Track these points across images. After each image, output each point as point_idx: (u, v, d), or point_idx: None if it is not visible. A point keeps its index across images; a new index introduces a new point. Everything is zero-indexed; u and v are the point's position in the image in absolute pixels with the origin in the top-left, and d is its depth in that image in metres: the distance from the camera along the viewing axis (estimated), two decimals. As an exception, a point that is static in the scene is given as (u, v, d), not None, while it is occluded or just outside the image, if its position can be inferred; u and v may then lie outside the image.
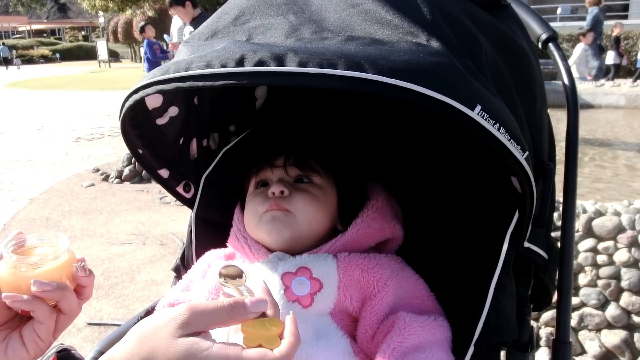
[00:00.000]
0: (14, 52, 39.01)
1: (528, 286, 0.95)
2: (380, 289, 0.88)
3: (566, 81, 1.06)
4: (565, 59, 1.11)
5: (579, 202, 2.42)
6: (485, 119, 0.64)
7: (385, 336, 0.84)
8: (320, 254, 0.92)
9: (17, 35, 63.05)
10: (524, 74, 0.88)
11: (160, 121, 0.98)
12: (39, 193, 5.41)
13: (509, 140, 0.67)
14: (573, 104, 1.03)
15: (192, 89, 0.69)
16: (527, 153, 0.70)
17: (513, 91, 0.81)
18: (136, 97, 0.78)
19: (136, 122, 0.93)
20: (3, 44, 39.22)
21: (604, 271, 2.38)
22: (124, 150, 6.26)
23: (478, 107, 0.63)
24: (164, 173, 1.08)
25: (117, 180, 5.66)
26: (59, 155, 7.28)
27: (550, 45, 1.11)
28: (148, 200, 5.01)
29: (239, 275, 0.72)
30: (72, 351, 0.81)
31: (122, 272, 3.48)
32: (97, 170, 6.07)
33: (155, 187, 5.34)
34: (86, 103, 12.73)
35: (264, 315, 0.65)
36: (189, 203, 1.16)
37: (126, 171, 5.67)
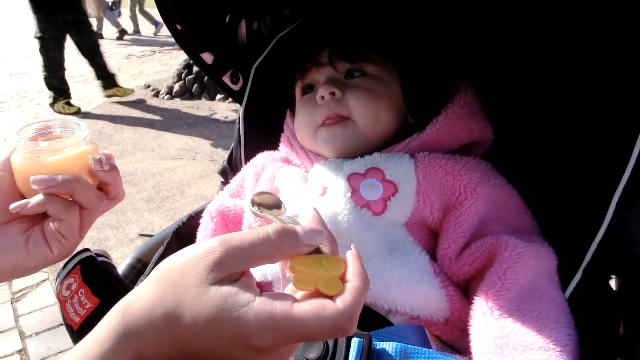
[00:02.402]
0: None
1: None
2: (468, 195, 0.72)
3: None
4: None
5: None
6: None
7: (486, 263, 0.68)
8: (394, 154, 0.76)
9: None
10: None
11: (202, -11, 0.81)
12: (92, 108, 5.45)
13: None
14: None
15: None
16: None
17: None
18: None
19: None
20: None
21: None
22: (174, 67, 6.16)
23: None
24: (208, 58, 0.91)
25: (167, 96, 5.61)
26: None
27: None
28: (198, 116, 4.95)
29: (276, 205, 0.54)
30: (100, 258, 0.70)
31: (173, 186, 3.47)
32: (148, 87, 6.03)
33: (205, 104, 5.27)
34: (138, 19, 12.63)
35: (318, 251, 0.46)
36: (237, 96, 1.00)
37: (176, 87, 5.60)
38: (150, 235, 2.86)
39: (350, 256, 0.45)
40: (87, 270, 0.67)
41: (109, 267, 0.71)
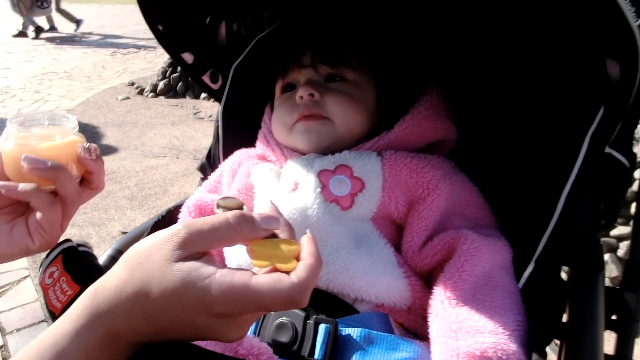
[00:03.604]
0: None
1: (602, 199, 0.81)
2: (431, 191, 0.76)
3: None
4: None
5: None
6: None
7: (446, 255, 0.73)
8: (362, 152, 0.80)
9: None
10: None
11: (183, -8, 0.85)
12: (75, 105, 5.42)
13: None
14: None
15: None
16: None
17: None
18: None
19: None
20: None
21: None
22: (159, 65, 6.15)
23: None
24: (188, 57, 0.95)
25: (152, 94, 5.61)
26: (95, 68, 7.24)
27: None
28: (182, 114, 4.96)
29: (238, 207, 0.59)
30: (82, 248, 0.73)
31: (156, 184, 3.48)
32: (133, 84, 6.02)
33: (189, 102, 5.27)
34: (122, 17, 12.53)
35: (275, 237, 0.52)
36: (216, 95, 1.04)
37: (161, 85, 5.60)
38: (133, 232, 2.88)
39: (306, 239, 0.51)
40: (68, 260, 0.71)
41: (89, 257, 0.74)
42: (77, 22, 9.84)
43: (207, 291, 0.42)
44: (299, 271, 0.46)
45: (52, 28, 10.10)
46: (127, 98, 5.58)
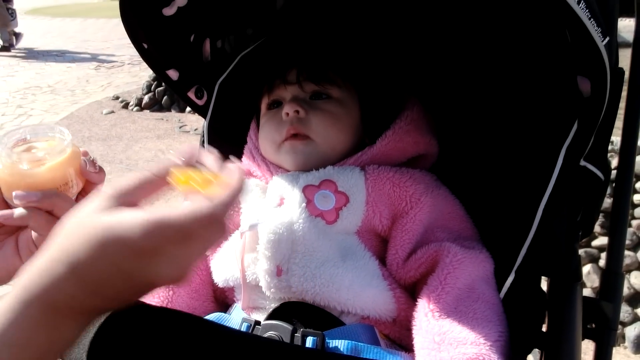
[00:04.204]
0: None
1: (579, 211, 0.84)
2: (414, 205, 0.78)
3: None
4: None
5: (615, 139, 2.26)
6: None
7: (430, 268, 0.74)
8: (346, 167, 0.82)
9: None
10: None
11: (168, 11, 0.86)
12: (59, 119, 5.38)
13: (590, 18, 0.53)
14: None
15: None
16: (607, 39, 0.57)
17: None
18: None
19: (139, 9, 0.81)
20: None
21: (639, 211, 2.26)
22: (143, 79, 6.14)
23: (556, -30, 0.50)
24: (173, 74, 0.96)
25: (136, 107, 5.58)
26: (79, 82, 7.20)
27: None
28: (167, 128, 4.95)
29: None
30: None
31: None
32: (117, 98, 5.99)
33: (174, 116, 5.26)
34: (106, 31, 12.50)
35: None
36: (201, 111, 1.05)
37: (146, 99, 5.58)
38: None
39: (231, 166, 0.51)
40: None
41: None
42: (17, 36, 9.73)
43: (125, 231, 0.42)
44: (218, 191, 0.46)
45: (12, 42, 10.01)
46: (112, 112, 5.56)
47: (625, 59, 0.88)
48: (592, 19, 0.54)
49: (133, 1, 0.79)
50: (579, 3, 0.52)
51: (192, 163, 0.50)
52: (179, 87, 1.00)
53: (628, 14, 0.94)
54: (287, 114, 0.84)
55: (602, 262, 2.26)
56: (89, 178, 0.65)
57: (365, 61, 0.95)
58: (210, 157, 0.52)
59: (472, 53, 0.90)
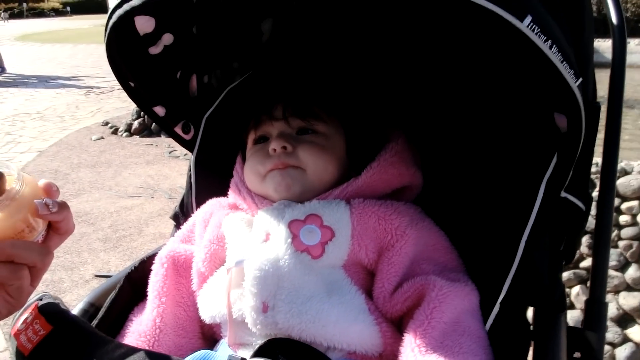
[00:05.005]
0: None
1: (561, 241, 0.85)
2: (399, 238, 0.79)
3: (614, 18, 0.92)
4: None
5: (597, 159, 2.30)
6: (537, 33, 0.53)
7: (416, 301, 0.75)
8: (331, 200, 0.83)
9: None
10: None
11: (154, 50, 0.87)
12: (48, 145, 5.37)
13: (562, 62, 0.55)
14: (620, 45, 0.90)
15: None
16: (580, 80, 0.59)
17: (561, 13, 0.68)
18: (120, 12, 0.68)
19: (125, 49, 0.82)
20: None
21: (627, 232, 2.28)
22: (133, 104, 6.13)
23: (528, 18, 0.52)
24: (160, 111, 0.97)
25: (126, 133, 5.59)
26: (68, 108, 7.21)
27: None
28: (157, 153, 4.95)
29: None
30: (56, 301, 0.73)
31: (130, 225, 3.44)
32: (107, 124, 6.00)
33: (164, 141, 5.27)
34: (96, 57, 12.56)
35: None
36: (188, 145, 1.06)
37: (135, 124, 5.59)
38: (107, 276, 2.83)
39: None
40: (44, 306, 0.71)
41: (62, 306, 0.74)
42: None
43: None
44: None
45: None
46: (101, 138, 5.56)
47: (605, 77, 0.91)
48: (564, 62, 0.56)
49: (119, 41, 0.80)
50: (551, 47, 0.54)
51: None
52: (165, 123, 1.01)
53: (605, 36, 0.97)
54: (275, 149, 0.85)
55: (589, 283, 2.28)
56: (49, 219, 0.61)
57: (350, 95, 0.97)
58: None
59: (454, 88, 0.92)
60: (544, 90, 0.62)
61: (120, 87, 0.92)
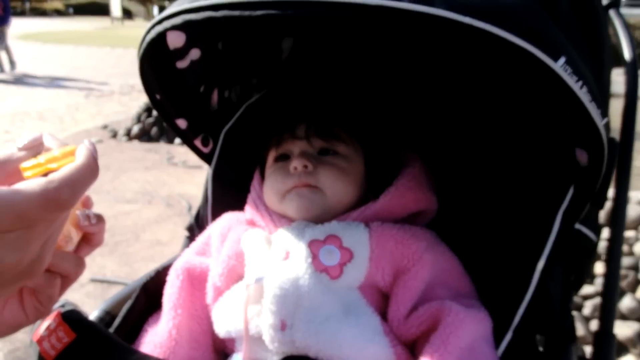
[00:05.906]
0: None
1: (572, 271, 0.87)
2: (416, 262, 0.80)
3: (627, 54, 0.95)
4: (627, 27, 1.01)
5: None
6: (569, 74, 0.54)
7: (431, 325, 0.76)
8: (350, 222, 0.84)
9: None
10: (595, 35, 0.78)
11: (181, 64, 0.89)
12: (46, 146, 5.35)
13: (591, 101, 0.57)
14: (633, 80, 0.93)
15: (226, 18, 0.59)
16: (606, 119, 0.61)
17: (586, 51, 0.71)
18: (159, 28, 0.69)
19: (156, 63, 0.84)
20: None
21: (623, 262, 2.28)
22: (133, 108, 6.16)
23: (562, 59, 0.54)
24: (182, 123, 0.99)
25: (125, 138, 5.59)
26: (68, 110, 7.20)
27: (611, 11, 1.00)
28: (156, 159, 4.95)
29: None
30: (76, 308, 0.74)
31: (127, 230, 3.43)
32: (106, 127, 6.00)
33: (163, 147, 5.27)
34: (97, 59, 12.58)
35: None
36: (207, 158, 1.08)
37: (135, 129, 5.59)
38: (103, 281, 2.81)
39: (81, 146, 0.51)
40: (67, 312, 0.71)
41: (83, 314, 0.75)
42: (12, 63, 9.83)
43: None
44: (58, 170, 0.45)
45: None
46: (100, 141, 5.55)
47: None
48: (592, 102, 0.58)
49: (151, 55, 0.81)
50: (581, 87, 0.56)
51: (38, 151, 0.51)
52: (186, 136, 1.02)
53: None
54: (296, 168, 0.86)
55: (585, 311, 2.30)
56: (87, 230, 0.62)
57: (370, 115, 0.99)
58: (55, 140, 0.52)
59: (475, 116, 0.94)
60: (569, 126, 0.64)
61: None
